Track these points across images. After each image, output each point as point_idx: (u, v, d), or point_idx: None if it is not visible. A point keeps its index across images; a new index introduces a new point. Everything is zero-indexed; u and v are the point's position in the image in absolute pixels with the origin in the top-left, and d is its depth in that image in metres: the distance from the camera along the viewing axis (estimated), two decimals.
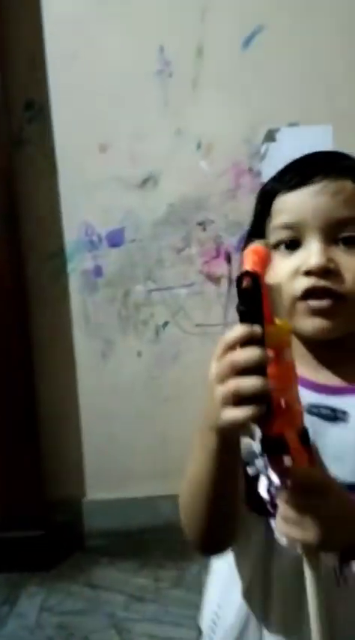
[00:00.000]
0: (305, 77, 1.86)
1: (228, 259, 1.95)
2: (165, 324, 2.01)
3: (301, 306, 0.59)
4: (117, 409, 2.05)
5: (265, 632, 0.64)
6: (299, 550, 0.53)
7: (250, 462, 0.62)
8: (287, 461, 0.49)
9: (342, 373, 0.63)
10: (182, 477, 0.60)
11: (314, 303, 0.58)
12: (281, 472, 0.51)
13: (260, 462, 0.62)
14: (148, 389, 2.04)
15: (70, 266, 2.00)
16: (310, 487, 0.51)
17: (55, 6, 1.86)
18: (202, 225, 1.95)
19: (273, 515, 0.61)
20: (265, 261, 0.48)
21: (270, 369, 0.46)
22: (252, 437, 0.59)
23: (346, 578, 0.60)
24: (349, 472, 0.56)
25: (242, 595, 0.65)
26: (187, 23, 1.86)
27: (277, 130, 1.88)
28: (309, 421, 0.53)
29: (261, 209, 0.66)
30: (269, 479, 0.61)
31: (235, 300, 0.48)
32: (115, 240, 1.98)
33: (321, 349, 0.63)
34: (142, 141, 1.91)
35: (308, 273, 0.58)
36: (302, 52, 1.85)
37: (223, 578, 0.68)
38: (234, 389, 0.45)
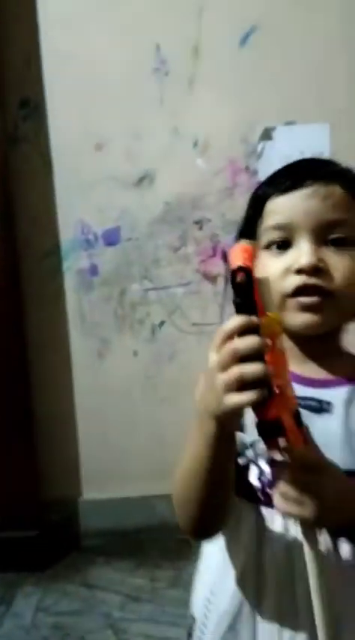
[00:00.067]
0: (302, 76, 1.88)
1: (225, 258, 1.97)
2: (162, 323, 2.04)
3: (291, 302, 0.63)
4: (113, 409, 2.07)
5: (258, 618, 0.68)
6: (297, 525, 0.57)
7: (241, 453, 0.67)
8: (282, 443, 0.53)
9: (328, 366, 0.68)
10: (176, 464, 0.63)
11: (304, 299, 0.63)
12: (279, 453, 0.55)
13: (250, 452, 0.66)
14: (144, 388, 2.06)
15: (66, 265, 2.02)
16: (307, 465, 0.55)
17: (50, 4, 1.89)
18: (199, 223, 1.97)
19: (264, 503, 0.65)
20: (253, 258, 0.53)
21: (266, 357, 0.50)
22: (242, 429, 0.63)
23: (340, 554, 0.64)
24: (336, 460, 0.60)
25: (235, 582, 0.68)
26: (183, 22, 1.88)
27: (273, 129, 1.91)
28: None
29: (253, 211, 0.70)
30: (259, 468, 0.65)
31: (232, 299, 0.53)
32: (111, 238, 2.00)
33: (309, 343, 0.67)
34: (138, 139, 1.93)
35: (299, 271, 0.63)
36: (299, 50, 1.88)
37: (215, 564, 0.71)
38: (238, 375, 0.50)
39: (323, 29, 1.87)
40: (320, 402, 0.65)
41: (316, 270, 0.62)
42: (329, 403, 0.65)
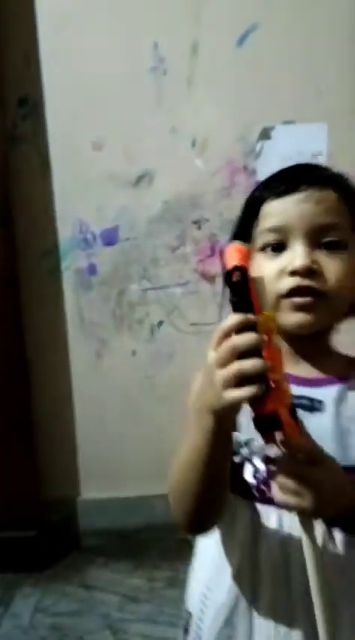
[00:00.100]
0: (300, 75, 1.90)
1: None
2: (160, 323, 2.05)
3: (285, 302, 0.67)
4: (111, 409, 2.09)
5: (255, 613, 0.70)
6: (295, 516, 0.60)
7: (236, 451, 0.69)
8: (279, 436, 0.56)
9: (319, 365, 0.71)
10: (172, 460, 0.66)
11: (298, 300, 0.66)
12: (276, 446, 0.57)
13: (245, 451, 0.69)
14: (143, 388, 2.08)
15: (64, 264, 2.03)
16: (304, 456, 0.58)
17: (48, 3, 1.90)
18: (197, 223, 1.99)
19: (259, 500, 0.68)
20: (247, 258, 0.56)
21: (263, 352, 0.53)
22: (236, 428, 0.66)
23: (335, 542, 0.67)
24: None
25: (232, 577, 0.71)
26: (182, 20, 1.89)
27: (272, 128, 1.92)
28: None
29: (248, 213, 0.73)
30: (254, 466, 0.68)
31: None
32: (109, 238, 2.01)
33: (301, 343, 0.71)
34: (137, 138, 1.95)
35: (293, 273, 0.66)
36: (297, 49, 1.89)
37: (211, 558, 0.74)
38: (237, 371, 0.52)
39: (322, 29, 1.89)
40: (312, 400, 0.67)
41: (310, 272, 0.65)
42: (320, 402, 0.68)
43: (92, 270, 2.03)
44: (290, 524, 0.66)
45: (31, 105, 1.95)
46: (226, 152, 1.94)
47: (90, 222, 2.00)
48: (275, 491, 0.59)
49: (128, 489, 2.09)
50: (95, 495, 2.13)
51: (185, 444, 0.63)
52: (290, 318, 0.66)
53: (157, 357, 2.06)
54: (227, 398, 0.54)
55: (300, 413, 0.60)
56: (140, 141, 1.95)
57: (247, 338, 0.53)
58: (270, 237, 0.68)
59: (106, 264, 2.03)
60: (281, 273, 0.66)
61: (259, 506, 0.68)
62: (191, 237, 2.00)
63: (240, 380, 0.52)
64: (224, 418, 0.58)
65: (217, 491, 0.65)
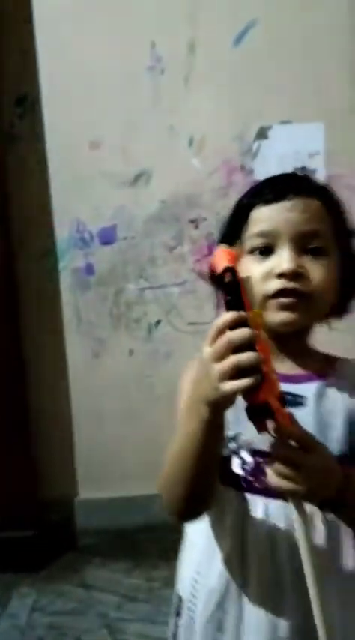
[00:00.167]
0: (297, 75, 1.94)
1: None
2: (158, 322, 2.09)
3: (272, 302, 0.73)
4: (109, 408, 2.13)
5: (245, 599, 0.75)
6: (283, 502, 0.66)
7: (224, 445, 0.75)
8: (270, 425, 0.62)
9: (300, 363, 0.78)
10: (167, 449, 0.71)
11: (283, 300, 0.72)
12: (268, 434, 0.63)
13: (233, 445, 0.75)
14: (140, 387, 2.12)
15: (61, 264, 2.07)
16: (296, 441, 0.64)
17: (46, 2, 1.94)
18: (194, 222, 2.03)
19: (247, 489, 0.73)
20: (236, 260, 0.63)
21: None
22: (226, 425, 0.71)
23: (324, 522, 0.73)
24: None
25: (222, 563, 0.76)
26: (179, 19, 1.94)
27: (269, 128, 1.96)
28: None
29: (237, 218, 0.78)
30: (242, 458, 0.74)
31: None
32: (107, 237, 2.05)
33: (285, 341, 0.77)
34: (134, 138, 1.99)
35: (280, 275, 0.72)
36: (294, 49, 1.94)
37: (202, 543, 0.80)
38: (234, 363, 0.58)
39: (319, 28, 1.93)
40: (295, 396, 0.74)
41: (296, 275, 0.71)
42: (302, 397, 0.75)
43: (89, 269, 2.07)
44: (276, 512, 0.72)
45: (29, 104, 1.99)
46: (223, 151, 1.99)
47: (87, 221, 2.04)
48: (270, 477, 0.65)
49: (126, 489, 2.13)
50: (93, 495, 2.16)
51: (179, 435, 0.70)
52: (276, 316, 0.72)
53: (155, 356, 2.10)
54: (224, 389, 0.59)
55: None
56: (137, 140, 1.99)
57: (241, 333, 0.58)
58: (259, 242, 0.75)
59: (104, 263, 2.06)
60: (269, 275, 0.73)
61: (248, 496, 0.74)
62: (188, 236, 2.04)
63: (236, 372, 0.58)
64: (219, 409, 0.64)
65: (209, 479, 0.71)
